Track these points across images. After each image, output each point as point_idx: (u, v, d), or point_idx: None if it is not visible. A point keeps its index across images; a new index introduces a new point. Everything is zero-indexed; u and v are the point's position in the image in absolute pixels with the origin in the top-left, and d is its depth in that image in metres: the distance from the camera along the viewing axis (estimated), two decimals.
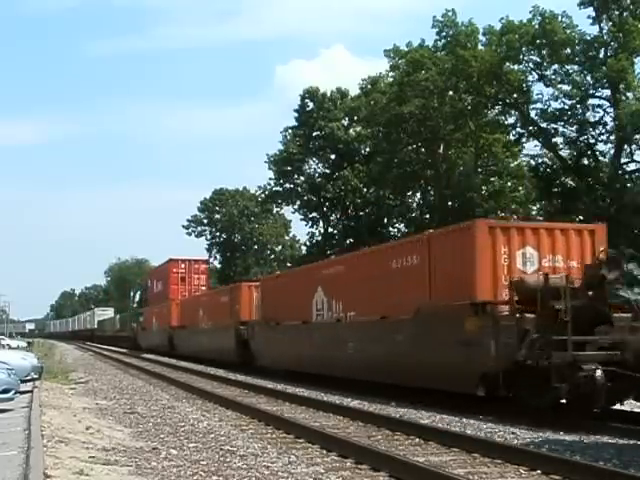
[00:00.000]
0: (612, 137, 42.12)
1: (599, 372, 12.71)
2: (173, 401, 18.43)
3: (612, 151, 42.52)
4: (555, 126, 44.00)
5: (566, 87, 42.94)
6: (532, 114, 44.91)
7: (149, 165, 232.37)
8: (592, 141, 43.29)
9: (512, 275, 15.05)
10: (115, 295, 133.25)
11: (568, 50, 42.15)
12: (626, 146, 41.69)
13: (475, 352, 14.58)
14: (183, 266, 52.20)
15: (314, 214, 63.17)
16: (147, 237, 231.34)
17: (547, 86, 43.52)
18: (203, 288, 51.00)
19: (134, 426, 13.45)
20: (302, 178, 63.45)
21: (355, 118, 60.16)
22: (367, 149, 59.09)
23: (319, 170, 63.42)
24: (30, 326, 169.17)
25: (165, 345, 45.33)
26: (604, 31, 41.53)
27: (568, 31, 42.01)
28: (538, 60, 43.22)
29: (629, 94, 41.02)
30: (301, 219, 64.81)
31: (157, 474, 8.77)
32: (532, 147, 46.95)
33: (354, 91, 60.27)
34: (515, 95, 44.30)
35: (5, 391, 14.92)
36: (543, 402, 13.41)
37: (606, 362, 12.73)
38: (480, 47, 45.28)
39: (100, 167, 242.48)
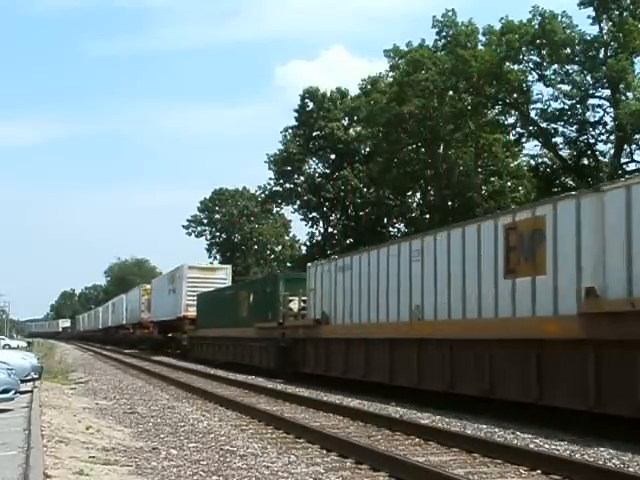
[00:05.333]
0: (612, 137, 42.11)
1: None
2: (173, 401, 18.43)
3: (612, 151, 42.53)
4: (555, 126, 44.02)
5: (566, 87, 42.97)
6: (532, 114, 44.92)
7: (149, 165, 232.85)
8: (592, 141, 43.33)
9: None
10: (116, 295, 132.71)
11: (568, 50, 42.14)
12: (626, 146, 41.68)
13: None
14: None
15: (314, 214, 63.10)
16: (147, 237, 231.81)
17: (547, 86, 43.54)
18: None
19: (134, 426, 13.44)
20: (302, 178, 63.39)
21: (355, 118, 60.08)
22: (367, 149, 59.05)
23: (319, 170, 63.38)
24: (65, 324, 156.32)
25: None
26: (604, 31, 41.52)
27: (568, 31, 42.00)
28: (538, 60, 43.21)
29: (629, 94, 41.02)
30: (301, 219, 64.81)
31: (157, 474, 8.76)
32: (532, 147, 47.04)
33: (354, 91, 60.35)
34: (515, 95, 44.26)
35: (5, 391, 14.89)
36: None
37: None
38: (480, 47, 45.24)
39: (100, 167, 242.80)
